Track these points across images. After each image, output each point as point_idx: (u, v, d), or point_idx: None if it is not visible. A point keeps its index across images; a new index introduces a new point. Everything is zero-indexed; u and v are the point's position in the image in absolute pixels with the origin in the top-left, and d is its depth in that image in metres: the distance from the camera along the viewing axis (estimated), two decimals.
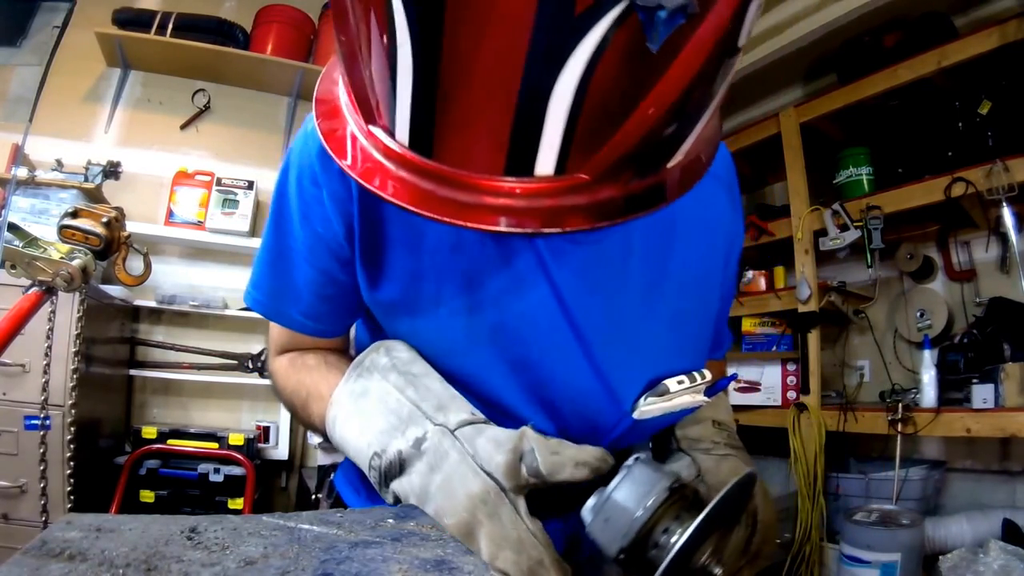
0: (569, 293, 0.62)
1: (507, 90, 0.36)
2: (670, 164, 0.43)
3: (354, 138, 0.45)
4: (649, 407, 0.66)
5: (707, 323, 0.75)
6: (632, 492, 0.52)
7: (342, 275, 0.67)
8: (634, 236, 0.64)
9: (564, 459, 0.52)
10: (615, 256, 0.63)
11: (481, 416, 0.58)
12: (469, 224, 0.41)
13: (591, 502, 0.53)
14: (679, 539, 0.48)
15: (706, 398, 0.71)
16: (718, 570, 0.52)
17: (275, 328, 0.74)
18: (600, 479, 0.55)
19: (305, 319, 0.70)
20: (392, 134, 0.42)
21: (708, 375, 0.69)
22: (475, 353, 0.63)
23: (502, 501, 0.50)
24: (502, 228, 0.40)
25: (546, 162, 0.39)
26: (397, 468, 0.55)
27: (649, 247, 0.65)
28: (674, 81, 0.36)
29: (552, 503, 0.56)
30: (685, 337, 0.70)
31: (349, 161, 0.45)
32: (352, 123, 0.46)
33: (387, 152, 0.43)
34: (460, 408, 0.58)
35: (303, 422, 0.72)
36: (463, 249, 0.61)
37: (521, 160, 0.39)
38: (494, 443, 0.53)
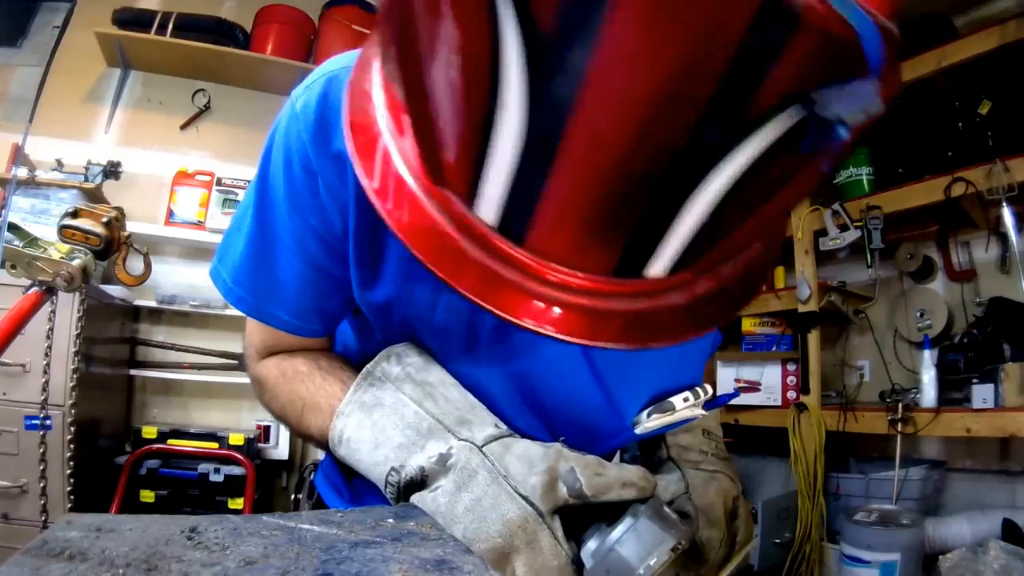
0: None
1: (645, 188, 0.30)
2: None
3: (413, 200, 0.38)
4: (652, 423, 0.65)
5: (707, 337, 0.74)
6: (636, 548, 0.50)
7: (336, 270, 0.61)
8: None
9: (610, 480, 0.49)
10: None
11: (506, 429, 0.55)
12: (562, 336, 0.36)
13: (592, 546, 0.51)
14: None
15: (704, 412, 0.71)
16: None
17: (254, 325, 0.67)
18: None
19: (292, 318, 0.64)
20: (469, 204, 0.36)
21: (709, 390, 0.69)
22: (472, 360, 0.61)
23: (540, 527, 0.47)
24: (605, 343, 0.37)
25: (659, 266, 0.35)
26: (419, 484, 0.52)
27: None
28: (789, 198, 0.34)
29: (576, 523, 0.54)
30: (688, 350, 0.69)
31: (406, 232, 0.38)
32: (410, 179, 0.38)
33: (463, 226, 0.36)
34: (484, 421, 0.55)
35: (298, 434, 0.66)
36: None
37: (632, 262, 0.34)
38: (527, 462, 0.50)
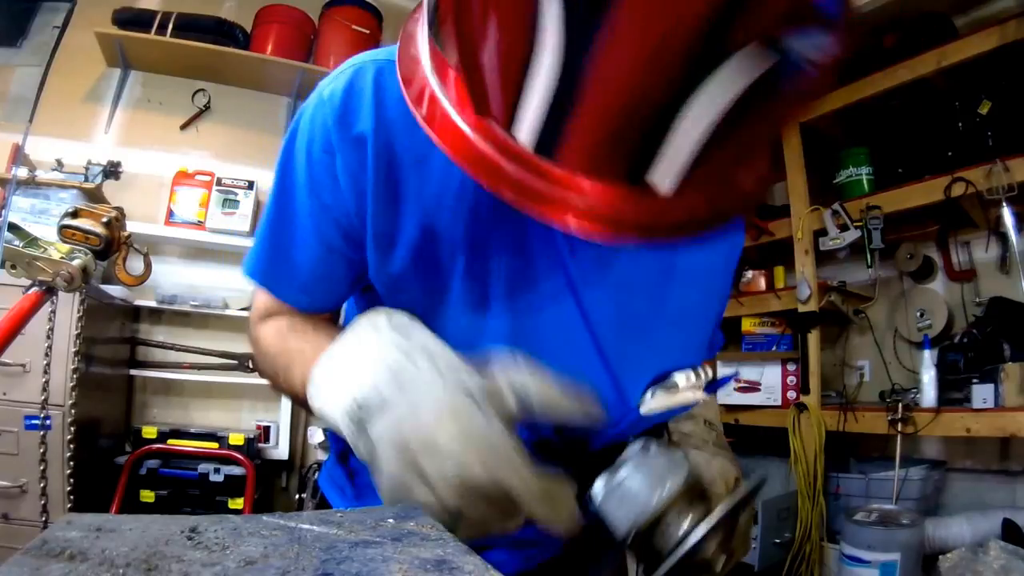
0: (582, 283, 0.62)
1: (648, 110, 0.38)
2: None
3: (457, 128, 0.44)
4: (656, 403, 0.65)
5: (709, 321, 0.75)
6: (648, 478, 0.52)
7: (347, 250, 0.63)
8: None
9: (560, 396, 0.47)
10: (627, 252, 0.63)
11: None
12: (589, 232, 0.42)
13: (602, 481, 0.53)
14: (694, 533, 0.49)
15: (706, 395, 0.71)
16: (719, 565, 0.52)
17: (262, 295, 0.68)
18: (600, 463, 0.54)
19: (300, 294, 0.66)
20: (508, 130, 0.42)
21: (710, 372, 0.70)
22: (476, 334, 0.61)
23: (475, 406, 0.44)
24: (626, 238, 0.43)
25: (662, 176, 0.41)
26: (378, 408, 0.47)
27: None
28: (778, 120, 0.43)
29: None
30: (690, 334, 0.70)
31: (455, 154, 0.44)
32: (455, 112, 0.44)
33: (503, 147, 0.42)
34: (449, 352, 0.52)
35: (284, 390, 0.64)
36: (480, 226, 0.59)
37: (638, 170, 0.41)
38: (477, 369, 0.48)
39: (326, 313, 0.69)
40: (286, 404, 2.94)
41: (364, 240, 0.61)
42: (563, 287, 0.61)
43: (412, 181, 0.59)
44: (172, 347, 2.86)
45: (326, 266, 0.64)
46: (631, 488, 0.52)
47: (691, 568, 0.54)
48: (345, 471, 0.77)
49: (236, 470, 2.50)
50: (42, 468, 1.49)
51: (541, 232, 0.59)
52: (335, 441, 0.82)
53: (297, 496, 2.84)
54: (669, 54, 0.36)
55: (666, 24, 0.35)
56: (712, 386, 0.75)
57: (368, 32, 3.05)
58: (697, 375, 0.67)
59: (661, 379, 0.67)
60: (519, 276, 0.61)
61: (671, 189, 0.41)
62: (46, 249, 1.29)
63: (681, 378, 0.66)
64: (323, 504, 0.78)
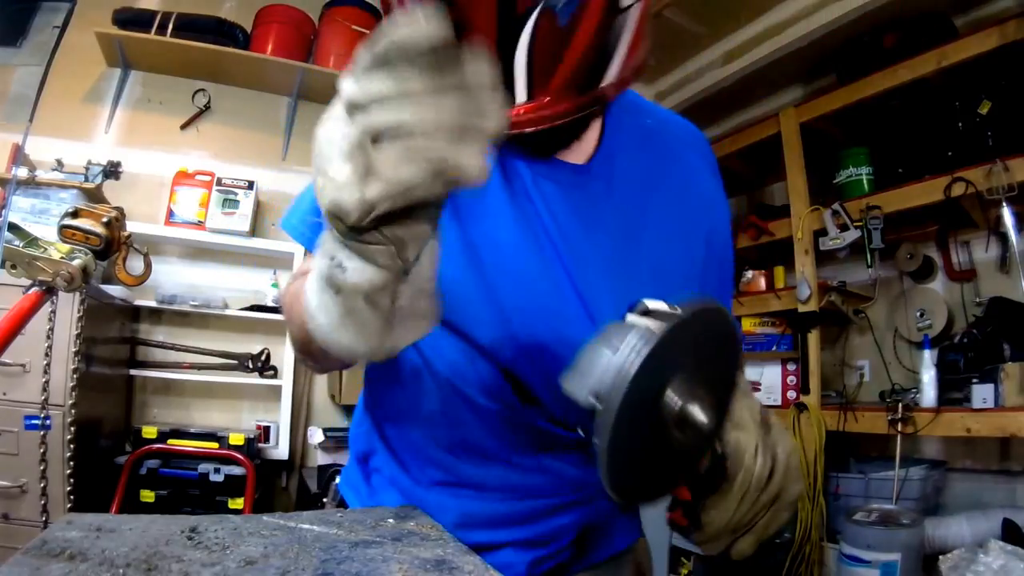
0: (552, 213, 0.65)
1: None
2: (603, 83, 0.58)
3: None
4: None
5: (690, 282, 0.73)
6: (605, 342, 0.49)
7: None
8: (614, 181, 0.68)
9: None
10: (597, 193, 0.67)
11: None
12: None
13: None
14: (635, 353, 0.44)
15: None
16: (702, 416, 0.47)
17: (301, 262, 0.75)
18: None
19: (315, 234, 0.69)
20: None
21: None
22: (455, 263, 0.63)
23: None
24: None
25: (520, 93, 0.54)
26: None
27: (628, 193, 0.69)
28: (584, 35, 0.53)
29: None
30: (666, 288, 0.67)
31: None
32: None
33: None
34: None
35: (295, 330, 0.63)
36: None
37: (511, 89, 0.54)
38: None
39: None
40: (286, 404, 2.94)
41: None
42: (534, 213, 0.65)
43: None
44: (172, 347, 2.87)
45: None
46: (587, 354, 0.49)
47: (699, 480, 0.53)
48: (363, 471, 0.80)
49: (236, 470, 2.50)
50: (42, 468, 1.49)
51: (519, 166, 0.66)
52: (355, 443, 0.85)
53: (321, 501, 2.84)
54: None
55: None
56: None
57: (368, 32, 3.04)
58: (672, 307, 0.66)
59: (633, 307, 0.66)
60: (499, 200, 0.65)
61: (547, 95, 0.54)
62: (46, 249, 1.29)
63: (653, 303, 0.65)
64: (342, 506, 0.80)
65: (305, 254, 0.74)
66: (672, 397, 0.47)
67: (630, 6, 0.55)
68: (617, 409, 0.44)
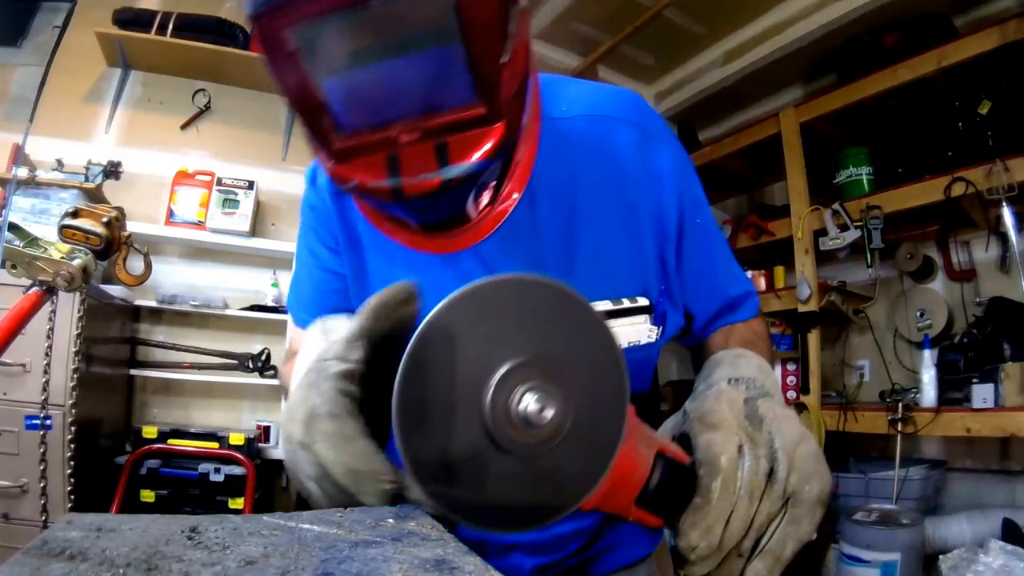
0: (492, 257, 0.67)
1: None
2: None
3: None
4: None
5: (638, 256, 0.70)
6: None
7: (334, 283, 0.75)
8: (537, 189, 0.66)
9: (377, 298, 0.48)
10: (522, 223, 0.66)
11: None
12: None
13: None
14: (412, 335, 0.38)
15: (653, 327, 0.69)
16: (533, 399, 0.39)
17: (296, 333, 0.80)
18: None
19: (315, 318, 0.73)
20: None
21: (641, 301, 0.68)
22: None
23: (320, 378, 0.45)
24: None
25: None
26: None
27: (554, 192, 0.67)
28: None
29: None
30: (610, 271, 0.69)
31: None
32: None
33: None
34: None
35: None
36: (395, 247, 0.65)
37: None
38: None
39: None
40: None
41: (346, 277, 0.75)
42: (476, 266, 0.67)
43: (366, 235, 0.72)
44: (172, 347, 2.87)
45: (329, 300, 0.77)
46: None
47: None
48: None
49: (236, 470, 2.50)
50: (42, 468, 1.49)
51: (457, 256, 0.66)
52: None
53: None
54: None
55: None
56: (707, 325, 0.75)
57: None
58: (617, 303, 0.66)
59: None
60: (444, 269, 0.67)
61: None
62: (46, 249, 1.29)
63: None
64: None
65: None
66: (490, 386, 0.39)
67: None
68: (407, 363, 0.38)
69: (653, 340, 0.70)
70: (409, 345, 0.39)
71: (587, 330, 0.42)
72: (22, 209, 2.42)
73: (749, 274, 2.80)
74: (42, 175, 2.58)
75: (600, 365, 0.41)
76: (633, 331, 0.68)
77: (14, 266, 1.27)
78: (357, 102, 0.49)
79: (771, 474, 0.48)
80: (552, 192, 0.67)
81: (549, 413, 0.39)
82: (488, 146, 0.49)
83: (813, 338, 2.48)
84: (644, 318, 0.68)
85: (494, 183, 0.57)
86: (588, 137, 0.68)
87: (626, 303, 0.67)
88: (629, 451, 0.45)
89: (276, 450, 2.89)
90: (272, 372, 2.93)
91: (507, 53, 0.47)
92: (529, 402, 0.39)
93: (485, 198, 0.58)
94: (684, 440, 0.52)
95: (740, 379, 0.59)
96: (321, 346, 0.50)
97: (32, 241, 1.29)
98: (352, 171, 0.50)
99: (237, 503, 2.46)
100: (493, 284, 0.40)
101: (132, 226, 1.96)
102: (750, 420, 0.51)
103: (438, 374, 0.39)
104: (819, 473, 0.49)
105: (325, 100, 0.48)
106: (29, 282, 1.28)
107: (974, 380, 1.97)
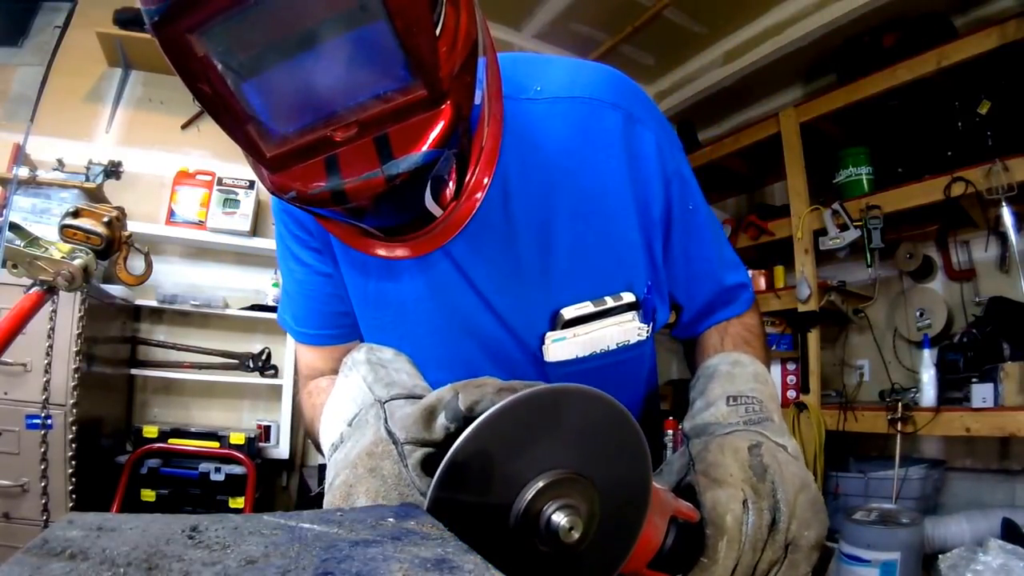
0: (464, 259, 0.65)
1: None
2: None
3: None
4: (557, 345, 0.63)
5: (622, 249, 0.67)
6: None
7: (327, 287, 0.73)
8: (510, 182, 0.63)
9: (486, 390, 0.46)
10: (496, 223, 0.63)
11: (426, 386, 0.60)
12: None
13: None
14: (460, 440, 0.39)
15: (642, 325, 0.65)
16: (564, 519, 0.40)
17: (300, 350, 0.79)
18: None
19: (319, 330, 0.76)
20: None
21: (627, 298, 0.65)
22: (413, 330, 0.69)
23: (388, 453, 0.47)
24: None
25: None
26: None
27: (527, 183, 0.63)
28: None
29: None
30: (591, 268, 0.65)
31: None
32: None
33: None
34: (406, 383, 0.59)
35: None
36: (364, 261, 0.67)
37: None
38: (415, 405, 0.50)
39: (348, 343, 0.77)
40: (287, 404, 2.94)
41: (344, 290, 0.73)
42: (450, 268, 0.65)
43: (338, 244, 0.69)
44: (173, 346, 2.87)
45: (329, 306, 0.75)
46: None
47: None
48: None
49: (237, 469, 2.50)
50: (43, 467, 1.50)
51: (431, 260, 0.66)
52: None
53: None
54: None
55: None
56: (698, 320, 0.73)
57: None
58: (598, 303, 0.64)
59: (555, 323, 0.64)
60: (417, 271, 0.67)
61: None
62: (47, 249, 1.29)
63: (568, 310, 0.62)
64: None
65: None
66: (524, 499, 0.40)
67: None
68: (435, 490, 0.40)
69: (644, 338, 0.67)
70: (450, 451, 0.40)
71: (625, 444, 0.44)
72: (23, 209, 2.42)
73: (749, 274, 2.80)
74: (43, 175, 2.58)
75: (630, 470, 0.44)
76: (620, 331, 0.65)
77: (15, 266, 1.27)
78: (281, 104, 0.44)
79: (773, 523, 0.51)
80: (526, 183, 0.63)
81: (577, 534, 0.40)
82: (436, 132, 0.44)
83: (813, 338, 2.48)
84: (632, 315, 0.65)
85: (454, 174, 0.51)
86: (566, 121, 0.63)
87: (609, 302, 0.64)
88: (647, 527, 0.47)
89: (276, 449, 2.89)
90: (273, 372, 2.93)
91: (440, 23, 0.42)
92: (560, 520, 0.40)
93: (448, 192, 0.51)
94: (690, 491, 0.54)
95: (739, 397, 0.61)
96: (381, 395, 0.56)
97: (33, 241, 1.29)
98: (290, 179, 0.45)
99: (237, 502, 2.46)
100: (544, 393, 0.41)
101: (133, 226, 1.96)
102: (754, 470, 0.53)
103: (474, 481, 0.40)
104: (818, 520, 0.52)
105: (246, 107, 0.43)
106: (30, 282, 1.28)
107: (974, 380, 1.98)
